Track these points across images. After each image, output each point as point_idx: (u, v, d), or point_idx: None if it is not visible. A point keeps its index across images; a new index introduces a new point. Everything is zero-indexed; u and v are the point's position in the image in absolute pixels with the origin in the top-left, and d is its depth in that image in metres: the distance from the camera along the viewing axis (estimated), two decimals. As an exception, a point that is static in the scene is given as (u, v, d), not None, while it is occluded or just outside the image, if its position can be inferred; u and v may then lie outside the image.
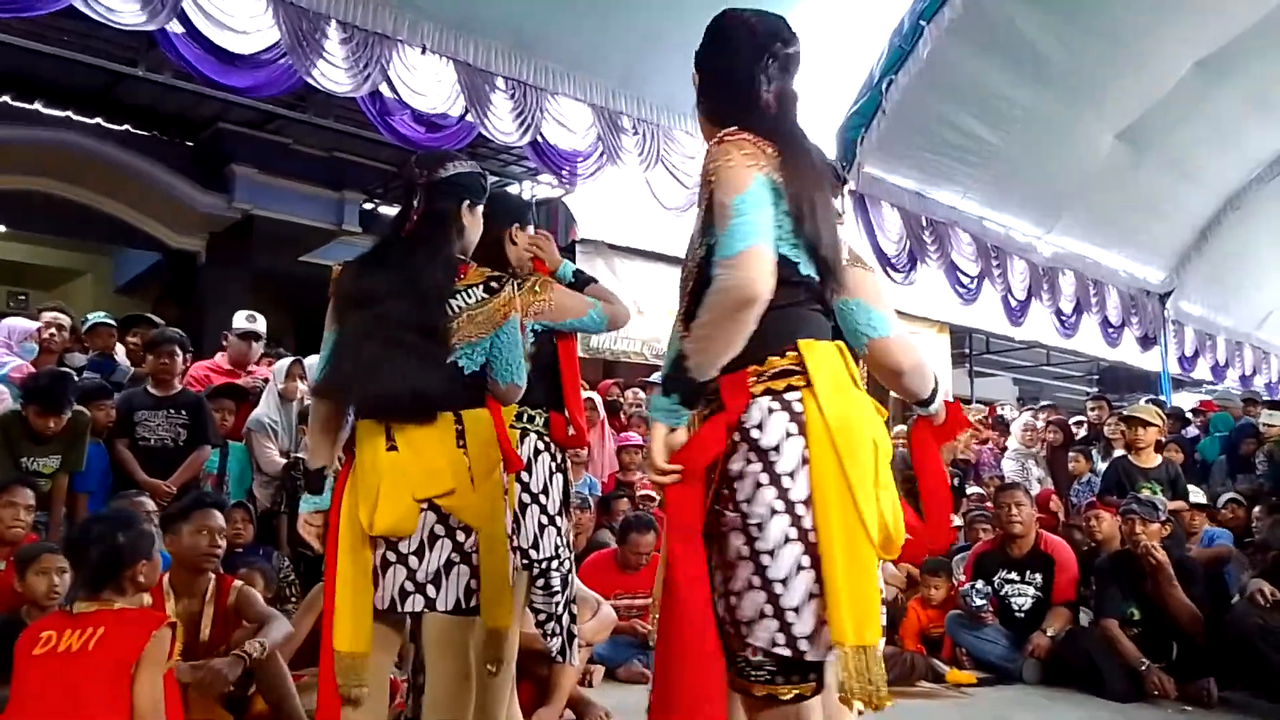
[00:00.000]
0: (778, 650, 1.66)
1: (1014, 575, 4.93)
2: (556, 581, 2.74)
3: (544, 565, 2.71)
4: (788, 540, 1.67)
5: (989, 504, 5.95)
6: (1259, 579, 4.52)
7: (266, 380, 5.54)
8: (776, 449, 1.69)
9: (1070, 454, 7.22)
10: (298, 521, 2.45)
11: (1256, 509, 5.83)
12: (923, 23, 7.64)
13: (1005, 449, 7.89)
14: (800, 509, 1.67)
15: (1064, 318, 11.06)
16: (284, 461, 5.00)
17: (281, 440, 5.12)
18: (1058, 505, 6.72)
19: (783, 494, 1.68)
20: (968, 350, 13.74)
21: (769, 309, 1.69)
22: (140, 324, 5.82)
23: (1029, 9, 7.76)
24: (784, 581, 1.67)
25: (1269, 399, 9.38)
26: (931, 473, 2.14)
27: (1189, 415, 9.03)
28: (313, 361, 5.68)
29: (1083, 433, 8.05)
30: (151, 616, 2.64)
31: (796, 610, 1.66)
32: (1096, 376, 16.46)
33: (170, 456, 4.63)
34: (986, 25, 7.72)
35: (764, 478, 1.69)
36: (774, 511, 1.68)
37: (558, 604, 2.74)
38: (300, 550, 4.76)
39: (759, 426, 1.71)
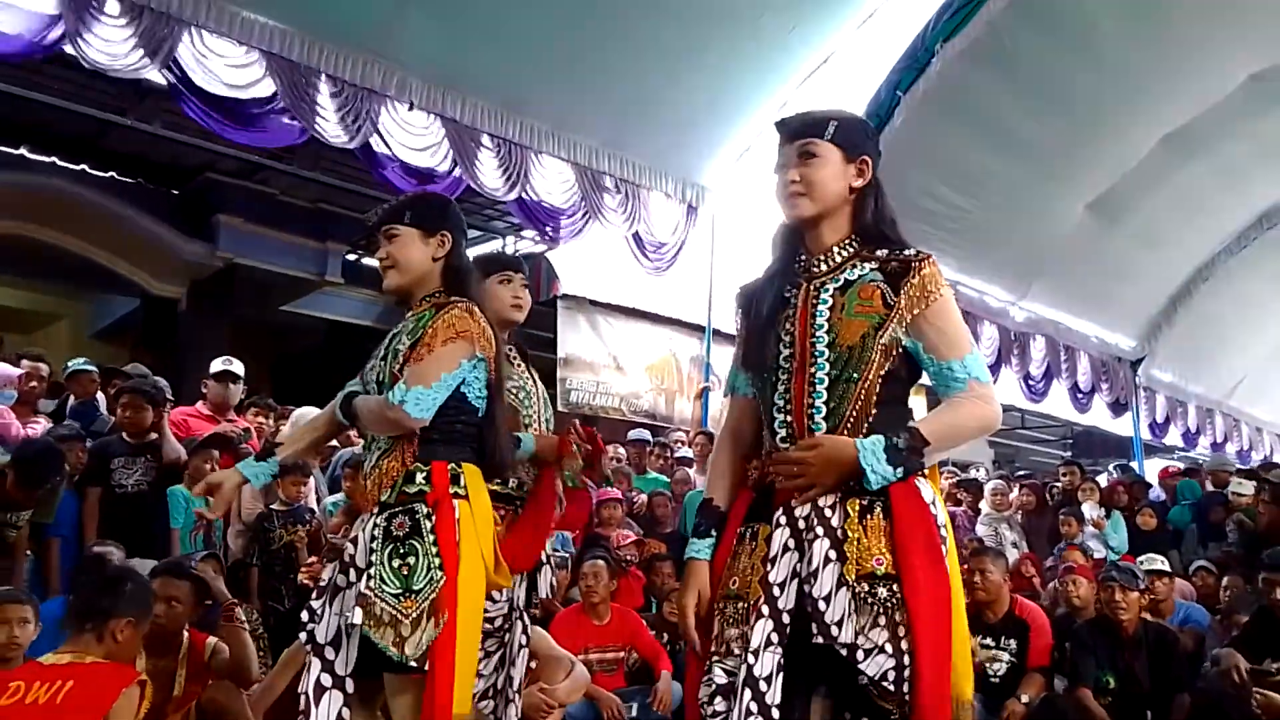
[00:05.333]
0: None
1: (989, 641, 4.91)
2: None
3: None
4: None
5: (965, 567, 5.96)
6: (1230, 649, 4.55)
7: (247, 429, 5.54)
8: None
9: (1062, 515, 7.26)
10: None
11: (1226, 578, 5.88)
12: (899, 93, 7.86)
13: (979, 512, 7.93)
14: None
15: (1033, 383, 11.17)
16: (260, 511, 4.94)
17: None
18: (1030, 570, 6.73)
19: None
20: (943, 412, 13.83)
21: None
22: (117, 376, 5.79)
23: (999, 84, 7.98)
24: None
25: (1240, 467, 9.50)
26: None
27: (1152, 483, 9.17)
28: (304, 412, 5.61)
29: (1050, 498, 8.13)
30: (122, 672, 2.60)
31: None
32: (1071, 441, 16.60)
33: (145, 501, 4.61)
34: (958, 98, 7.93)
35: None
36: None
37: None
38: (270, 603, 4.70)
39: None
